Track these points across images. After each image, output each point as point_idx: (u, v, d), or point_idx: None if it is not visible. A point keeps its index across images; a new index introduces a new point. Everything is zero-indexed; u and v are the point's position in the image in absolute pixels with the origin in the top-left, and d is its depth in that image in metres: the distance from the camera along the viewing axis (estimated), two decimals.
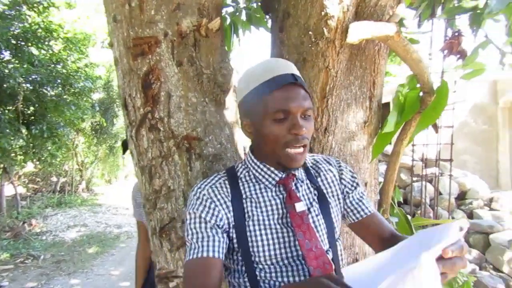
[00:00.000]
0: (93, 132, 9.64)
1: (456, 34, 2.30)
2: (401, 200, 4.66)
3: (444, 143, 2.88)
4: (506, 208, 4.81)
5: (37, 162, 7.67)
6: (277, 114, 0.88)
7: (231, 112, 1.35)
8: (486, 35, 2.10)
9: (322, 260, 0.94)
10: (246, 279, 0.96)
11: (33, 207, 7.77)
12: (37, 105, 6.21)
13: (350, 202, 1.08)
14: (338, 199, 1.07)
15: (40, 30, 5.94)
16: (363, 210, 1.07)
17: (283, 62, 0.94)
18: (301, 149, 0.92)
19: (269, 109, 0.89)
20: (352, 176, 1.09)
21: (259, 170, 0.99)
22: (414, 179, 4.41)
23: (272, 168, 0.98)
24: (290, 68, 0.93)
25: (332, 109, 1.35)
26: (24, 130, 5.98)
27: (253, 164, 1.00)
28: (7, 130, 5.42)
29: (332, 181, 1.06)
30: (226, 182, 0.99)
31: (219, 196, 0.96)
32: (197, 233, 0.93)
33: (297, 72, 0.94)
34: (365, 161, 1.43)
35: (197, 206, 0.95)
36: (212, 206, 0.94)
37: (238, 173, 1.02)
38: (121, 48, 1.24)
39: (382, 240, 1.04)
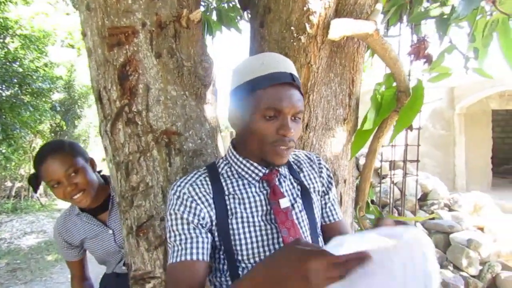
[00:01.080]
0: (53, 135, 9.17)
1: (422, 39, 2.39)
2: (374, 199, 4.78)
3: (411, 144, 2.98)
4: (464, 209, 5.06)
5: None
6: (268, 111, 0.86)
7: (212, 107, 1.31)
8: (451, 40, 2.21)
9: None
10: (228, 278, 0.93)
11: None
12: None
13: (325, 203, 1.08)
14: (319, 195, 1.06)
15: None
16: (333, 215, 1.08)
17: (282, 60, 0.91)
18: (288, 146, 0.90)
19: (261, 105, 0.86)
20: (329, 176, 1.09)
21: (242, 166, 0.96)
22: (380, 180, 4.54)
23: (255, 164, 0.95)
24: (289, 67, 0.91)
25: (313, 106, 1.35)
26: None
27: (235, 160, 0.97)
28: None
29: (314, 177, 1.06)
30: (207, 178, 0.95)
31: (200, 194, 0.92)
32: (179, 234, 0.89)
33: (294, 72, 0.92)
34: (344, 158, 1.44)
35: (177, 206, 0.90)
36: (194, 205, 0.90)
37: (220, 169, 0.98)
38: (95, 38, 1.17)
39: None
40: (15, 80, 5.96)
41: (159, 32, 1.17)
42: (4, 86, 5.96)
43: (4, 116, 6.00)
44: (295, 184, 1.01)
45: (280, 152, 0.89)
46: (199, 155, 1.22)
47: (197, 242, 0.88)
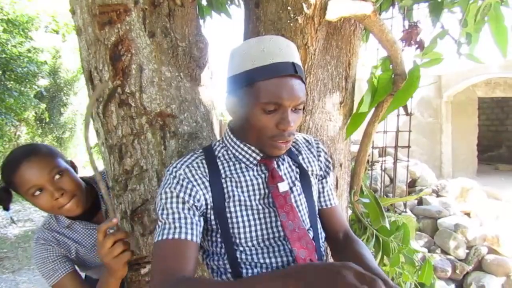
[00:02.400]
0: (38, 122, 8.99)
1: (414, 25, 2.38)
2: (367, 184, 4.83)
3: (402, 130, 3.00)
4: (451, 194, 5.15)
5: None
6: (267, 105, 0.82)
7: (207, 89, 1.28)
8: (443, 25, 2.20)
9: (305, 240, 0.92)
10: (226, 261, 0.92)
11: None
12: None
13: (323, 187, 1.07)
14: (316, 178, 1.06)
15: None
16: (329, 200, 1.08)
17: (285, 46, 0.85)
18: (287, 140, 0.88)
19: (260, 98, 0.82)
20: (327, 161, 1.08)
21: (239, 150, 0.94)
22: (370, 167, 4.59)
23: (253, 148, 0.93)
24: (291, 54, 0.85)
25: (309, 88, 1.33)
26: None
27: (232, 144, 0.95)
28: None
29: (313, 160, 1.04)
30: (204, 161, 0.93)
31: (196, 176, 0.89)
32: (173, 213, 0.86)
33: (297, 59, 0.86)
34: (340, 142, 1.43)
35: (174, 185, 0.88)
36: (190, 186, 0.88)
37: (216, 152, 0.96)
38: (85, 16, 1.13)
39: (335, 238, 1.05)
40: None
41: (152, 10, 1.13)
42: None
43: None
44: (293, 167, 1.00)
45: (278, 145, 0.87)
46: (195, 138, 1.20)
47: (192, 223, 0.86)
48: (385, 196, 4.63)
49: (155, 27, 1.13)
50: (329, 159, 1.09)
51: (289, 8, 1.25)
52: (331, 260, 1.39)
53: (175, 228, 0.84)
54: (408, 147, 3.01)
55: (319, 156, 1.06)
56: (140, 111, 1.12)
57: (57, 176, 1.14)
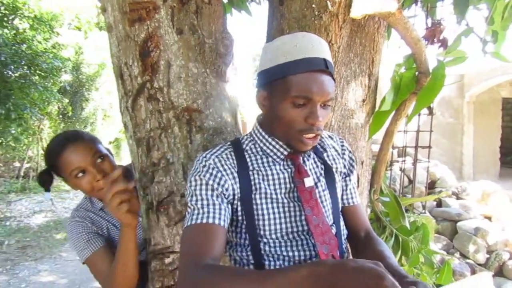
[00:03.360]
0: (60, 116, 9.22)
1: (438, 22, 2.35)
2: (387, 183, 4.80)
3: (423, 130, 2.96)
4: (472, 197, 5.06)
5: None
6: (297, 99, 0.85)
7: (232, 85, 1.31)
8: (467, 23, 2.16)
9: (328, 236, 0.94)
10: (249, 253, 0.94)
11: None
12: (0, 85, 5.84)
13: (346, 185, 1.08)
14: (340, 175, 1.07)
15: (3, 8, 5.58)
16: (352, 198, 1.08)
17: (317, 43, 0.87)
18: (315, 134, 0.89)
19: (291, 92, 0.84)
20: (351, 159, 1.09)
21: (267, 144, 0.96)
22: (389, 166, 4.54)
23: (280, 143, 0.95)
24: (322, 51, 0.87)
25: None
26: None
27: (260, 138, 0.97)
28: None
29: (337, 158, 1.06)
30: (232, 153, 0.96)
31: (225, 166, 0.92)
32: (202, 199, 0.89)
33: (329, 56, 0.88)
34: (362, 140, 1.44)
35: (203, 173, 0.91)
36: (219, 175, 0.91)
37: (244, 145, 0.99)
38: (116, 13, 1.17)
39: (356, 236, 1.06)
40: (24, 61, 5.96)
41: (180, 8, 1.16)
42: (13, 67, 5.96)
43: (14, 97, 6.04)
44: (318, 163, 1.02)
45: (305, 141, 0.89)
46: (219, 133, 1.22)
47: (220, 208, 0.88)
48: (403, 197, 4.58)
49: (183, 24, 1.16)
50: (353, 157, 1.10)
51: (313, 5, 1.26)
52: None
53: (203, 213, 0.87)
54: (429, 147, 2.98)
55: (343, 154, 1.08)
56: (167, 105, 1.16)
57: (98, 160, 1.24)
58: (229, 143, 1.00)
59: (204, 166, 0.92)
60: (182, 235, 0.88)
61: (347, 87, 1.37)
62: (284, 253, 0.93)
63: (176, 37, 1.16)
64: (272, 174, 0.95)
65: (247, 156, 0.97)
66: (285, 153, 0.95)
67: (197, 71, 1.19)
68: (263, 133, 0.97)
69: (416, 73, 1.44)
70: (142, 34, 1.14)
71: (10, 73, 5.94)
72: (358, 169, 1.42)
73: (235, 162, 0.94)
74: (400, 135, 2.94)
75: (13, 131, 6.45)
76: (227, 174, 0.92)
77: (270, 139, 0.96)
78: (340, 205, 1.06)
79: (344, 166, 1.07)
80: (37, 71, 6.29)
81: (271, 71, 0.88)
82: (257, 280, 0.69)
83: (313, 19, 1.27)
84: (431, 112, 1.51)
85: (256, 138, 0.98)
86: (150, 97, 1.15)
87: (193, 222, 0.86)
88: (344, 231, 1.05)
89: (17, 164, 9.20)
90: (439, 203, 4.98)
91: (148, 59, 1.14)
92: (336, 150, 1.07)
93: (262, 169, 0.95)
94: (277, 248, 0.93)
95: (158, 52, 1.14)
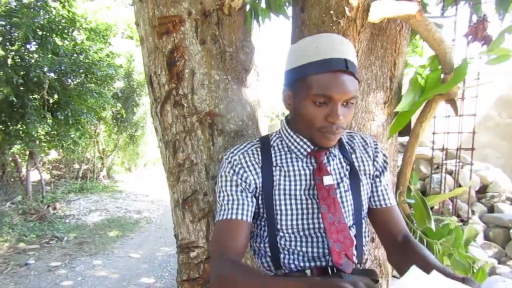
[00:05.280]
0: (114, 121, 9.84)
1: (481, 19, 2.25)
2: (418, 185, 4.60)
3: (465, 132, 2.83)
4: None
5: (60, 150, 7.93)
6: (318, 97, 0.88)
7: (253, 90, 1.38)
8: None
9: (343, 235, 0.96)
10: (267, 245, 1.00)
11: (57, 192, 8.03)
12: (61, 93, 6.38)
13: (376, 187, 1.08)
14: (370, 178, 1.07)
15: (64, 21, 6.09)
16: (385, 199, 1.07)
17: (339, 43, 0.91)
18: (336, 133, 0.92)
19: (312, 91, 0.88)
20: (385, 162, 1.09)
21: (292, 140, 1.01)
22: (433, 170, 4.36)
23: (305, 140, 0.99)
24: (345, 51, 0.90)
25: None
26: (49, 117, 6.18)
27: (287, 134, 1.02)
28: (34, 117, 5.61)
29: (367, 160, 1.06)
30: (258, 149, 1.02)
31: (249, 163, 0.99)
32: (227, 195, 0.97)
33: (352, 56, 0.91)
34: (384, 142, 1.44)
35: (228, 170, 0.99)
36: (241, 171, 0.98)
37: (271, 142, 1.05)
38: (147, 27, 1.29)
39: (393, 240, 1.03)
40: (82, 70, 6.46)
41: (203, 20, 1.25)
42: (72, 75, 6.48)
43: (72, 103, 6.57)
44: (344, 164, 1.04)
45: (327, 137, 0.92)
46: (240, 136, 1.30)
47: (243, 204, 0.97)
48: (450, 201, 4.37)
49: (206, 35, 1.25)
50: (387, 160, 1.10)
51: (331, 12, 1.29)
52: (370, 259, 1.41)
53: (228, 209, 0.96)
54: (472, 149, 2.84)
55: (376, 156, 1.08)
56: (191, 111, 1.25)
57: None
58: (257, 139, 1.07)
59: (229, 162, 1.00)
60: (214, 229, 0.99)
61: (367, 89, 1.39)
62: (299, 248, 0.98)
63: (199, 47, 1.25)
64: (294, 170, 1.00)
65: (273, 152, 1.03)
66: (309, 150, 0.99)
67: (219, 78, 1.27)
68: (289, 130, 1.02)
69: (442, 74, 1.42)
70: (169, 45, 1.25)
71: (70, 81, 6.47)
72: None
73: (260, 158, 1.01)
74: (449, 136, 2.83)
75: (72, 135, 7.01)
76: (250, 171, 0.99)
77: (295, 136, 1.01)
78: (366, 207, 1.06)
79: (376, 169, 1.08)
80: (93, 79, 6.79)
81: (294, 72, 0.94)
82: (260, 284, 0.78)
83: (331, 25, 1.31)
84: (456, 112, 1.47)
85: (283, 135, 1.04)
86: (175, 103, 1.26)
87: (220, 218, 0.97)
88: (366, 233, 1.06)
89: (76, 166, 9.93)
90: (491, 209, 4.68)
91: (174, 68, 1.25)
92: (367, 153, 1.07)
93: (285, 165, 1.00)
94: (292, 243, 0.98)
95: (183, 62, 1.24)
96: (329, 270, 0.97)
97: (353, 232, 1.01)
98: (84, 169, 9.82)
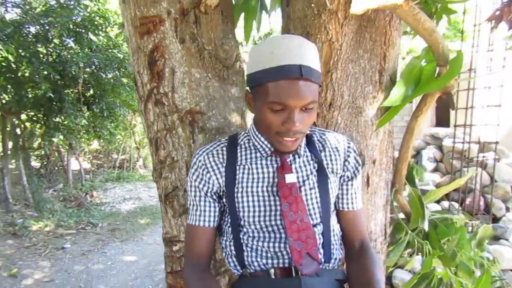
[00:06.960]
0: None
1: (509, 2, 2.09)
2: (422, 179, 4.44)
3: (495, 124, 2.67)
4: None
5: (100, 140, 8.36)
6: (274, 105, 0.88)
7: (237, 87, 1.38)
8: None
9: (305, 234, 0.96)
10: (232, 242, 1.03)
11: (95, 181, 8.51)
12: (96, 87, 6.69)
13: (347, 189, 1.07)
14: (337, 176, 1.06)
15: (97, 18, 6.33)
16: (352, 203, 1.08)
17: (295, 47, 0.88)
18: (293, 138, 0.92)
19: (268, 98, 0.87)
20: (357, 162, 1.08)
21: (257, 139, 1.02)
22: (465, 164, 4.12)
23: (268, 140, 1.00)
24: (302, 56, 0.87)
25: (337, 84, 1.32)
26: (85, 110, 6.51)
27: (253, 133, 1.04)
28: (71, 111, 5.95)
29: (336, 159, 1.05)
30: (224, 148, 1.04)
31: (213, 163, 1.02)
32: (192, 201, 1.04)
33: (309, 60, 0.88)
34: (373, 138, 1.39)
35: (192, 173, 1.04)
36: (205, 172, 1.01)
37: (239, 140, 1.06)
38: (130, 28, 1.32)
39: (350, 245, 1.08)
40: (115, 65, 6.71)
41: (182, 19, 1.26)
42: (106, 70, 6.75)
43: (107, 96, 6.87)
44: (311, 162, 1.03)
45: (284, 143, 0.92)
46: (222, 133, 1.31)
47: (205, 211, 1.02)
48: (482, 197, 4.14)
49: (185, 34, 1.26)
50: (359, 161, 1.09)
51: (313, 5, 1.26)
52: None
53: (193, 215, 1.04)
54: (496, 143, 2.68)
55: (348, 156, 1.07)
56: (172, 109, 1.28)
57: None
58: (227, 137, 1.09)
59: (195, 163, 1.04)
60: (185, 231, 1.09)
61: (355, 84, 1.34)
62: (261, 244, 0.99)
63: (179, 46, 1.27)
64: (257, 168, 1.01)
65: (239, 150, 1.04)
66: (272, 149, 1.00)
67: (199, 76, 1.28)
68: (255, 129, 1.03)
69: (437, 66, 1.34)
70: (149, 45, 1.27)
71: (103, 75, 6.75)
72: (368, 167, 1.38)
73: (224, 157, 1.03)
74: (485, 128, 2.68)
75: (108, 126, 7.34)
76: (213, 170, 1.02)
77: (259, 135, 1.02)
78: (333, 207, 1.06)
79: (348, 169, 1.07)
80: (126, 73, 7.04)
81: (251, 77, 0.93)
82: None
83: (313, 18, 1.28)
84: (453, 107, 1.38)
85: (250, 134, 1.05)
86: (157, 101, 1.28)
87: (188, 221, 1.05)
88: (335, 231, 1.06)
89: (114, 156, 10.41)
90: None
91: (155, 67, 1.27)
92: (338, 151, 1.06)
93: (249, 162, 1.02)
94: (255, 239, 1.00)
95: (164, 61, 1.27)
96: (293, 270, 0.97)
97: (319, 230, 1.00)
98: (121, 159, 10.27)
